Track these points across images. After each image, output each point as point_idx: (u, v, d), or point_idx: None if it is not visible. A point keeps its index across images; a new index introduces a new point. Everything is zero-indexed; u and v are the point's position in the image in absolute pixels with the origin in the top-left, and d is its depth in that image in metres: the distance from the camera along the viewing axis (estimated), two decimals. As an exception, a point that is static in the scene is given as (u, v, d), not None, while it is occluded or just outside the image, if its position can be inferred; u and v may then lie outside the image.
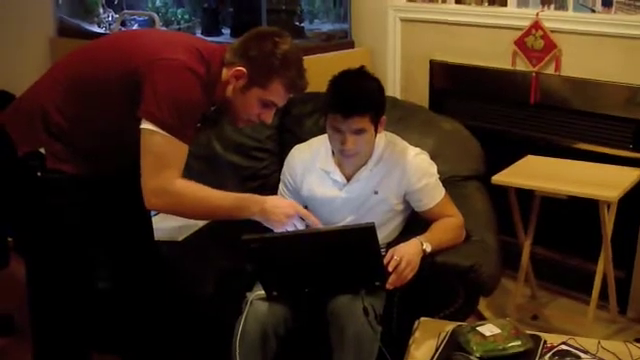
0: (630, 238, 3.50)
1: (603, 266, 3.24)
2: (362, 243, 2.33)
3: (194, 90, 2.22)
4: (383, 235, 2.58)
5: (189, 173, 3.32)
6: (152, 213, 2.84)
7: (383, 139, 2.66)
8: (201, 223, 3.18)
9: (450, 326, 2.40)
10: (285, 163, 2.81)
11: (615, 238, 3.25)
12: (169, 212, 2.22)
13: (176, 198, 2.26)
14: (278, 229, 2.39)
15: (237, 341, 2.40)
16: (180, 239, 3.09)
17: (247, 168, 3.41)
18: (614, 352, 2.31)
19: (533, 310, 3.64)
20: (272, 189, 3.02)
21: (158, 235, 2.86)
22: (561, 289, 3.83)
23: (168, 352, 2.90)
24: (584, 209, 3.19)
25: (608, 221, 3.13)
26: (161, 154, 2.21)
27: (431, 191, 2.66)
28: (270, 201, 2.43)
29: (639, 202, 3.40)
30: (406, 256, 2.39)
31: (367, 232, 2.28)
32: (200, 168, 3.39)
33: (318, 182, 2.70)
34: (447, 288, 2.62)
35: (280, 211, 2.39)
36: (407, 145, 2.70)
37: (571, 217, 3.52)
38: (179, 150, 2.24)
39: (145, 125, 2.17)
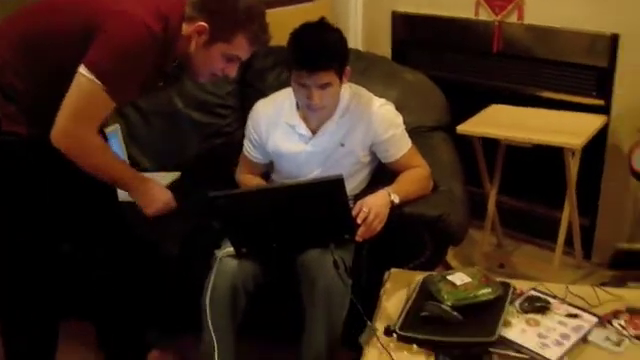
0: (594, 185, 3.53)
1: (568, 213, 3.26)
2: (330, 196, 2.31)
3: (145, 47, 2.15)
4: (350, 187, 2.56)
5: (151, 131, 3.34)
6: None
7: (348, 91, 2.63)
8: (164, 182, 3.13)
9: (420, 276, 2.41)
10: (249, 118, 2.76)
11: (579, 185, 3.28)
12: (67, 154, 2.19)
13: (83, 149, 2.22)
14: (147, 213, 2.42)
15: (207, 299, 2.37)
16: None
17: (210, 125, 3.37)
18: (582, 296, 2.34)
19: (500, 258, 3.67)
20: (236, 146, 2.98)
21: (121, 196, 2.81)
22: (527, 237, 3.88)
23: (138, 314, 2.88)
24: (549, 157, 3.21)
25: (573, 168, 3.15)
26: (88, 102, 2.16)
27: (398, 142, 2.64)
28: (157, 189, 2.46)
29: (603, 149, 3.44)
30: (374, 208, 2.38)
31: (335, 184, 2.26)
32: (161, 126, 3.36)
33: (283, 137, 2.67)
34: (416, 239, 2.62)
35: (160, 201, 2.43)
36: (372, 96, 2.67)
37: (536, 165, 3.54)
38: (105, 105, 2.19)
39: (82, 70, 2.11)
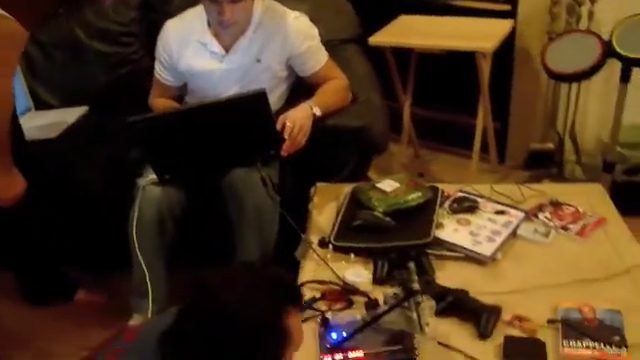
0: (504, 90, 3.58)
1: (482, 117, 3.30)
2: (254, 111, 2.25)
3: None
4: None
5: (53, 65, 3.18)
6: (18, 111, 2.66)
7: (260, 4, 2.53)
8: (70, 118, 3.02)
9: (348, 188, 2.41)
10: (158, 40, 2.64)
11: (490, 92, 3.30)
12: None
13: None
14: (3, 197, 2.31)
15: (133, 229, 2.31)
16: (54, 136, 2.91)
17: (114, 54, 3.21)
18: (507, 194, 2.40)
19: (418, 168, 3.71)
20: (144, 73, 2.90)
21: (30, 135, 2.68)
22: (441, 146, 3.92)
23: (59, 255, 2.80)
24: (459, 66, 3.22)
25: (485, 71, 3.16)
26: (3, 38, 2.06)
27: (315, 54, 2.60)
28: (20, 178, 2.35)
29: (511, 54, 3.48)
30: (298, 121, 2.34)
31: (258, 98, 2.20)
32: (64, 59, 3.20)
33: (195, 55, 2.57)
34: (339, 151, 2.60)
35: (18, 189, 2.34)
36: (286, 10, 2.59)
37: (447, 75, 3.56)
38: (21, 35, 2.08)
39: None
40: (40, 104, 3.19)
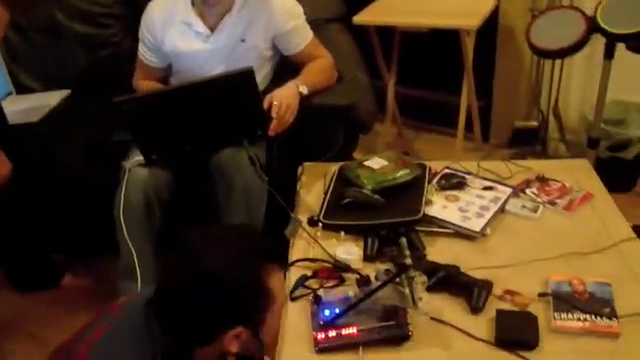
0: (488, 68, 3.58)
1: (467, 95, 3.30)
2: (241, 90, 2.23)
3: None
4: (255, 83, 2.49)
5: (32, 47, 3.14)
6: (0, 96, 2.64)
7: (245, -17, 2.52)
8: (53, 102, 2.99)
9: (335, 167, 2.40)
10: (142, 20, 2.61)
11: (474, 70, 3.30)
12: None
13: None
14: None
15: (120, 213, 2.29)
16: (36, 120, 2.88)
17: (95, 36, 3.17)
18: (493, 171, 2.40)
19: (402, 147, 3.71)
20: (125, 56, 2.88)
21: (12, 119, 2.65)
22: (425, 124, 3.92)
23: (44, 240, 2.77)
24: (443, 45, 3.22)
25: (469, 48, 3.16)
26: None
27: (300, 32, 2.58)
28: (3, 158, 2.32)
29: (494, 32, 3.47)
30: (285, 100, 2.31)
31: (245, 76, 2.18)
32: (43, 41, 3.16)
33: (179, 36, 2.54)
34: (327, 130, 2.59)
35: (3, 170, 2.31)
36: (271, -12, 2.58)
37: (430, 54, 3.55)
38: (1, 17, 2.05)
39: None
40: (21, 88, 3.15)
